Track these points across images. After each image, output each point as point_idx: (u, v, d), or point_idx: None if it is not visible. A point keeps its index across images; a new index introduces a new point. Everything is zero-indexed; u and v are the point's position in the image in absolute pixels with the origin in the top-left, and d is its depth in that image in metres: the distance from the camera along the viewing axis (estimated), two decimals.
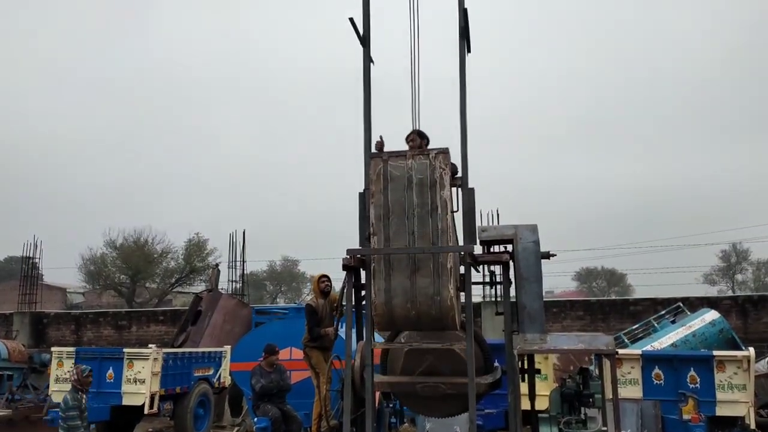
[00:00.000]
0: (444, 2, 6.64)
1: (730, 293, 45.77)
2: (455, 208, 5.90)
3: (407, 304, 5.56)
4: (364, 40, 6.51)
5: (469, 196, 6.03)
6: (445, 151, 5.75)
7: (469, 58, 6.40)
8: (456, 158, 6.16)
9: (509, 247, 6.62)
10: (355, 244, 6.20)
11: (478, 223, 6.31)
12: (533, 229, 6.64)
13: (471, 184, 6.10)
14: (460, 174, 6.05)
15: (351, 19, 6.41)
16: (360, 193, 6.33)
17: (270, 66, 79.48)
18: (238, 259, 27.89)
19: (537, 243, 6.53)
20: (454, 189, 5.85)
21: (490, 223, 20.98)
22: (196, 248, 37.09)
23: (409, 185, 5.73)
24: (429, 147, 6.28)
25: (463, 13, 6.25)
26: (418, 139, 6.60)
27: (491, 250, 6.73)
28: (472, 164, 6.13)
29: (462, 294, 5.79)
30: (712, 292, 46.35)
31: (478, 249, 6.29)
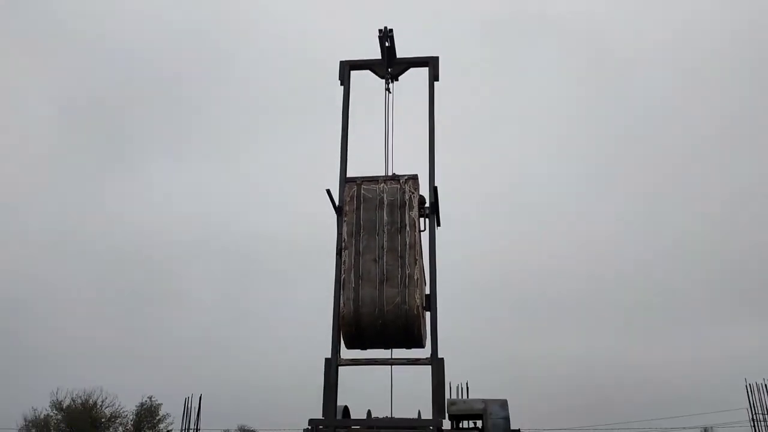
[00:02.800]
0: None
1: None
2: (423, 228, 6.16)
3: (375, 312, 5.60)
4: (340, 209, 7.00)
5: (438, 368, 6.08)
6: (414, 177, 6.33)
7: (438, 231, 6.94)
8: None
9: (479, 423, 6.67)
10: (318, 415, 6.04)
11: (447, 396, 6.38)
12: (503, 404, 6.70)
13: (441, 353, 6.10)
14: (428, 204, 6.40)
15: (328, 191, 6.93)
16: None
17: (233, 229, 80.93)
18: (191, 427, 26.31)
19: (507, 419, 6.58)
20: (422, 220, 6.19)
21: (460, 396, 20.34)
22: (148, 413, 35.05)
23: (380, 206, 6.17)
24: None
25: (434, 191, 6.87)
26: None
27: (460, 424, 6.77)
28: (442, 329, 6.25)
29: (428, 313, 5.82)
30: None
31: (446, 424, 6.32)
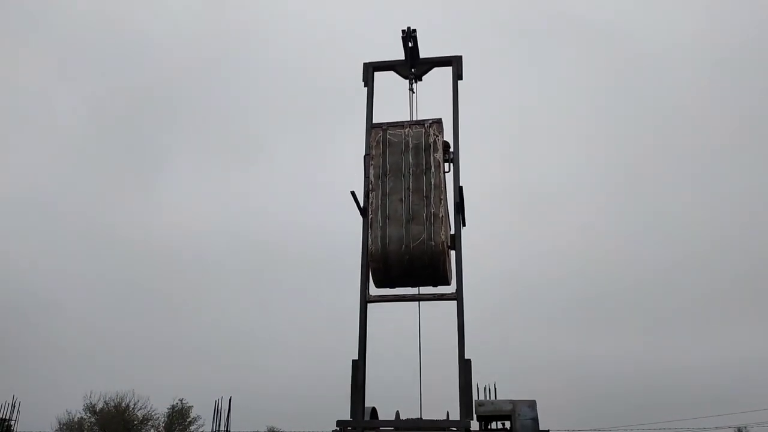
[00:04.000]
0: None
1: None
2: (447, 170, 6.32)
3: (401, 249, 5.77)
4: (365, 211, 7.01)
5: (466, 368, 6.12)
6: (438, 121, 6.48)
7: (464, 230, 6.93)
8: None
9: (507, 424, 6.65)
10: (346, 415, 6.07)
11: (474, 397, 6.37)
12: (532, 405, 6.66)
13: (468, 354, 6.16)
14: (452, 150, 6.56)
15: (352, 192, 6.93)
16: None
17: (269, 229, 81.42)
18: (222, 429, 26.60)
19: (536, 420, 6.54)
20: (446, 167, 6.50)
21: (488, 398, 20.23)
22: (179, 416, 35.49)
23: (405, 149, 6.40)
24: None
25: (459, 190, 6.89)
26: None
27: (489, 425, 6.74)
28: (469, 329, 6.28)
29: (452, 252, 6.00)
30: None
31: (474, 425, 6.30)
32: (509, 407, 6.50)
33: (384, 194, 6.38)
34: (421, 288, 6.67)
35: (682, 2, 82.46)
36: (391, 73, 8.11)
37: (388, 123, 6.83)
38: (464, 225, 6.84)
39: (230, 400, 26.65)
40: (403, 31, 7.76)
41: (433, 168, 6.35)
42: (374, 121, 7.60)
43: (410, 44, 7.81)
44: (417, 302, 6.67)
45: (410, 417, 6.46)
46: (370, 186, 6.46)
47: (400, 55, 8.04)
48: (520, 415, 6.41)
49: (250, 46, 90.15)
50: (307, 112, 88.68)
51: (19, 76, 79.49)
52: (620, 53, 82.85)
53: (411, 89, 7.90)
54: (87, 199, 79.77)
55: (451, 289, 6.55)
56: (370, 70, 7.99)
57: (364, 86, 7.88)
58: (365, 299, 6.27)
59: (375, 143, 6.62)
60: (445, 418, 6.65)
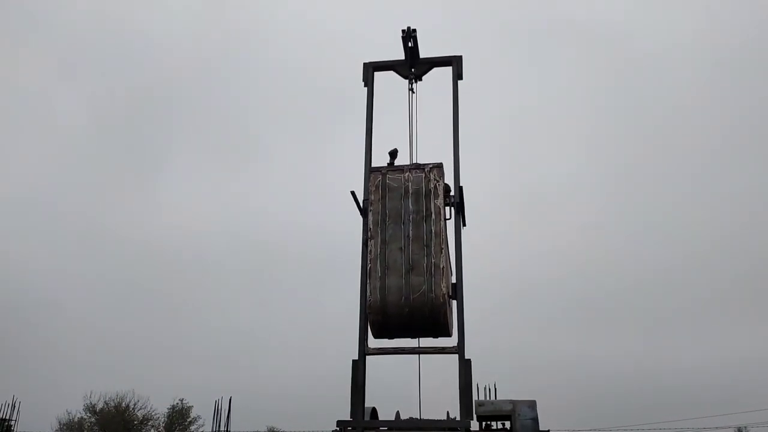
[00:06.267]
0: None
1: None
2: (448, 216, 6.21)
3: (401, 301, 5.67)
4: (364, 211, 7.02)
5: (466, 368, 6.07)
6: (439, 166, 6.33)
7: (464, 230, 6.93)
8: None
9: (507, 424, 6.67)
10: (346, 415, 6.08)
11: (474, 397, 6.38)
12: (532, 405, 6.67)
13: (468, 355, 6.13)
14: (453, 193, 6.41)
15: (352, 192, 6.99)
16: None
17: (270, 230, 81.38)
18: (222, 429, 26.60)
19: (536, 420, 6.54)
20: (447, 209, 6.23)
21: (488, 398, 20.23)
22: (179, 416, 35.49)
23: (405, 195, 6.33)
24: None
25: (459, 190, 6.86)
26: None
27: (489, 425, 6.74)
28: (469, 330, 6.25)
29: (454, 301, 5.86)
30: None
31: (474, 425, 6.29)
32: (509, 407, 6.49)
33: (383, 242, 6.18)
34: (421, 339, 6.57)
35: (682, 2, 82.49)
36: (391, 73, 8.11)
37: (387, 167, 6.69)
38: (464, 225, 6.82)
39: (230, 400, 26.64)
40: (403, 31, 7.76)
41: (433, 215, 6.20)
42: (374, 121, 7.61)
43: (410, 44, 7.81)
44: (417, 355, 6.51)
45: (410, 417, 6.46)
46: (369, 233, 6.28)
47: (399, 55, 8.04)
48: (520, 415, 6.41)
49: (250, 46, 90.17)
50: (307, 112, 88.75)
51: (19, 76, 79.54)
52: (620, 53, 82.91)
53: (411, 89, 7.90)
54: (87, 199, 79.84)
55: (452, 341, 6.39)
56: (370, 70, 7.98)
57: (364, 86, 7.88)
58: (364, 352, 6.07)
59: (374, 188, 6.46)
60: (445, 418, 6.65)
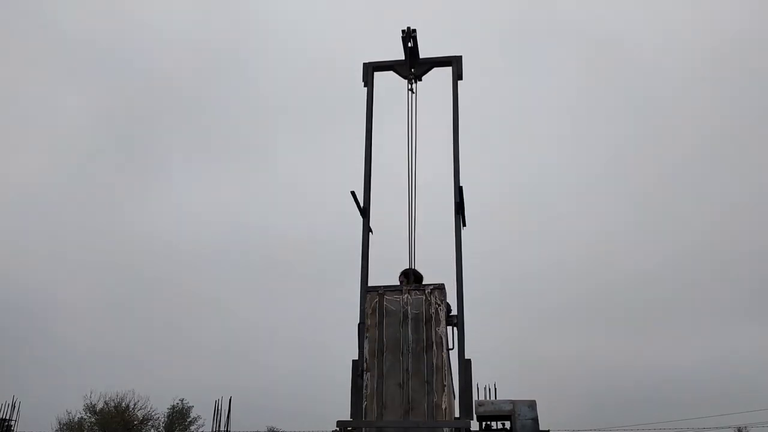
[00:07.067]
0: (442, 177, 7.30)
1: None
2: (451, 346, 5.89)
3: None
4: (364, 211, 6.91)
5: (466, 368, 5.83)
6: (440, 287, 5.88)
7: (464, 231, 6.81)
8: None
9: (507, 424, 6.62)
10: (346, 415, 5.88)
11: (474, 397, 6.26)
12: (532, 405, 6.59)
13: (467, 355, 5.90)
14: (454, 312, 6.06)
15: (353, 193, 6.86)
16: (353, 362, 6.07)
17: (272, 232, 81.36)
18: (222, 429, 26.62)
19: (536, 420, 6.47)
20: (449, 327, 5.87)
21: (488, 398, 20.27)
22: (179, 416, 35.52)
23: (404, 320, 5.77)
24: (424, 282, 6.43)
25: (459, 190, 6.75)
26: (408, 278, 6.65)
27: (489, 425, 6.73)
28: (468, 334, 6.09)
29: None
30: None
31: (474, 425, 6.21)
32: (509, 407, 6.46)
33: (380, 376, 5.62)
34: None
35: (682, 4, 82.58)
36: (391, 73, 8.11)
37: (384, 287, 6.10)
38: (464, 225, 6.78)
39: (230, 400, 26.67)
40: (402, 31, 7.75)
41: (434, 346, 5.62)
42: (374, 120, 7.59)
43: (410, 44, 7.80)
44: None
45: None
46: (365, 365, 5.70)
47: (399, 55, 8.04)
48: (520, 415, 6.38)
49: (249, 46, 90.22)
50: (307, 112, 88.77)
51: (19, 77, 79.64)
52: (620, 54, 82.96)
53: (411, 89, 7.90)
54: (86, 198, 79.89)
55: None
56: (370, 70, 7.96)
57: (364, 86, 7.86)
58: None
59: (371, 311, 5.89)
60: None
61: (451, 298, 6.13)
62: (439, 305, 5.81)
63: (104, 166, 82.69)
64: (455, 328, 5.92)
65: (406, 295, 5.93)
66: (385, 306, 5.89)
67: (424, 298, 5.88)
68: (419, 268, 6.89)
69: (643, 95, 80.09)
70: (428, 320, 5.73)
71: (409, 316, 5.79)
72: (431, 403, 5.44)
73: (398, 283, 6.54)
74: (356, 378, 5.83)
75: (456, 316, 5.97)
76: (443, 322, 5.74)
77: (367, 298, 6.01)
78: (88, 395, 41.15)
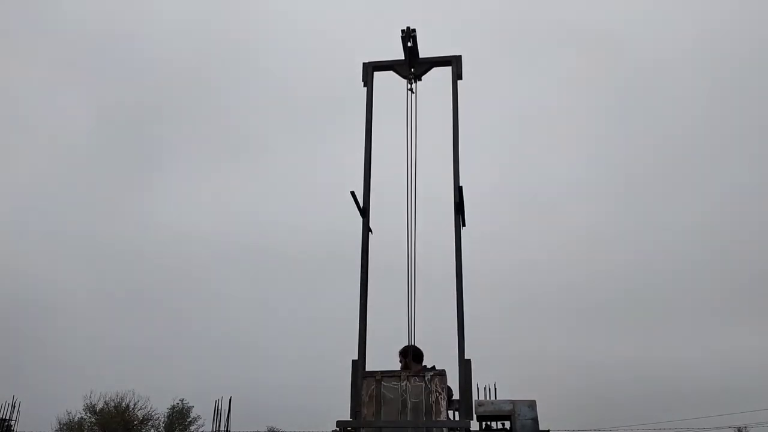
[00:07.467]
0: (442, 178, 7.24)
1: None
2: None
3: None
4: (364, 211, 6.89)
5: (466, 369, 5.72)
6: (441, 373, 5.65)
7: (464, 231, 6.75)
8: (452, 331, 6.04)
9: (507, 424, 6.56)
10: (346, 415, 5.76)
11: (474, 397, 6.23)
12: (532, 405, 6.55)
13: (468, 355, 5.83)
14: (456, 397, 5.93)
15: (352, 193, 6.85)
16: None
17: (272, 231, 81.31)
18: (222, 429, 26.64)
19: (536, 420, 6.43)
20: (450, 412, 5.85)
21: (488, 398, 20.26)
22: (179, 416, 35.54)
23: (403, 409, 5.51)
24: (424, 364, 6.38)
25: (458, 190, 6.72)
26: (407, 359, 6.55)
27: (489, 425, 6.72)
28: (469, 334, 6.04)
29: None
30: None
31: (474, 425, 6.18)
32: (509, 407, 6.42)
33: None
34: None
35: (684, 7, 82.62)
36: (391, 73, 8.10)
37: (382, 372, 5.79)
38: (464, 225, 6.78)
39: (230, 400, 26.66)
40: (402, 30, 7.74)
41: None
42: (373, 120, 7.60)
43: (409, 44, 7.80)
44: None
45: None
46: None
47: (399, 55, 8.03)
48: (520, 415, 6.34)
49: (249, 46, 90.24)
50: (306, 112, 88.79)
51: (19, 78, 79.64)
52: (621, 54, 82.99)
53: (410, 89, 7.89)
54: (86, 199, 79.91)
55: None
56: (370, 70, 7.95)
57: (364, 86, 7.85)
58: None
59: (368, 398, 5.58)
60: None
61: (452, 298, 6.11)
62: (440, 393, 5.51)
63: (104, 164, 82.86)
64: (456, 412, 5.76)
65: (405, 382, 5.62)
66: (383, 393, 5.60)
67: (423, 385, 5.57)
68: (419, 267, 6.87)
69: (648, 95, 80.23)
70: (428, 410, 5.42)
71: (408, 405, 5.53)
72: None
73: (397, 349, 6.43)
74: (356, 378, 5.82)
75: (458, 400, 5.70)
76: (444, 412, 5.48)
77: (365, 384, 5.67)
78: (88, 395, 41.11)
